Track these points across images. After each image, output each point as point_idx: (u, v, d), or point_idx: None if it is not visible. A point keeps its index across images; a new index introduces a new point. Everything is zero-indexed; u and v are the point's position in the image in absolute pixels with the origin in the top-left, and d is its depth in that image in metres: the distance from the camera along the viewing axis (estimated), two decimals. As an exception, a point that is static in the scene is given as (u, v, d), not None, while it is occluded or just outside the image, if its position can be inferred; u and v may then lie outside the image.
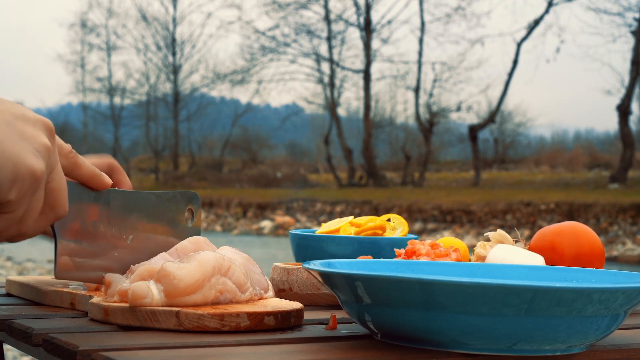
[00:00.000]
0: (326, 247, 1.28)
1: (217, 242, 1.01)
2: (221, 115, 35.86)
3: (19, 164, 0.75)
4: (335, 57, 27.90)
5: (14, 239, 0.82)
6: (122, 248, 0.99)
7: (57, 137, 0.83)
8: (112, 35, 32.94)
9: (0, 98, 0.79)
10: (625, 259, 13.27)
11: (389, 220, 1.36)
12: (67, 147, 0.86)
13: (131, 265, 0.96)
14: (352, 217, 1.36)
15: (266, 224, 19.33)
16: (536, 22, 23.70)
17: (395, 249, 1.11)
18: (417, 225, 17.05)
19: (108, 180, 0.93)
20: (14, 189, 0.76)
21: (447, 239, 1.25)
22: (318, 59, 28.27)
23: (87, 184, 0.91)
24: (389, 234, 1.33)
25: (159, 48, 32.63)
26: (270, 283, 0.98)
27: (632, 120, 25.31)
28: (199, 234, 1.08)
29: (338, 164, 29.68)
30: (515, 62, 24.15)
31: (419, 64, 26.54)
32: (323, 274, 0.82)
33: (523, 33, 25.59)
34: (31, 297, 1.08)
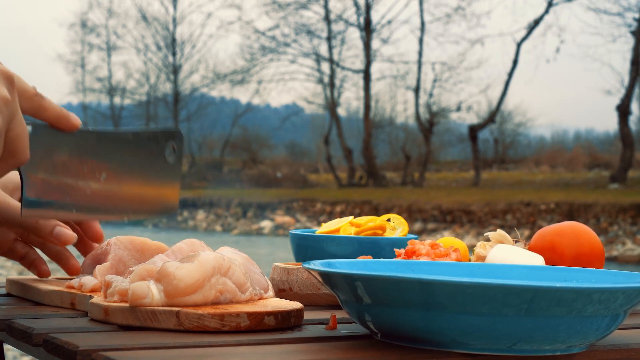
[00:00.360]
0: (326, 247, 1.28)
1: (217, 242, 1.01)
2: (221, 115, 35.85)
3: None
4: (335, 57, 27.90)
5: None
6: (95, 186, 0.97)
7: (19, 81, 0.85)
8: (112, 35, 32.94)
9: None
10: (625, 259, 13.27)
11: (389, 220, 1.36)
12: (31, 89, 0.87)
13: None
14: (352, 217, 1.36)
15: (266, 224, 19.33)
16: (536, 22, 23.70)
17: (395, 249, 1.11)
18: (417, 225, 17.05)
19: (77, 120, 0.93)
20: None
21: (447, 239, 1.25)
22: (318, 59, 28.27)
23: (55, 125, 0.92)
24: (389, 234, 1.33)
25: (159, 48, 32.62)
26: (270, 283, 0.98)
27: (632, 120, 25.31)
28: (179, 171, 1.05)
29: (338, 164, 29.67)
30: (515, 62, 24.15)
31: (419, 64, 26.54)
32: (323, 274, 0.82)
33: (523, 33, 25.58)
34: (31, 297, 1.08)
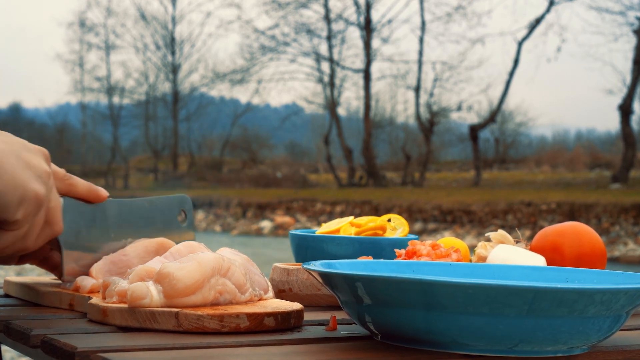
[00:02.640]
0: (326, 247, 1.28)
1: (216, 242, 1.02)
2: (221, 115, 35.87)
3: (26, 189, 0.88)
4: (335, 56, 27.92)
5: (17, 252, 0.93)
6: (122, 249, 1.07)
7: (53, 165, 0.96)
8: (111, 35, 32.96)
9: (3, 132, 0.91)
10: (627, 259, 13.27)
11: (389, 220, 1.35)
12: (62, 171, 0.99)
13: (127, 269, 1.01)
14: (352, 217, 1.36)
15: (266, 224, 19.34)
16: (537, 21, 23.71)
17: (396, 250, 1.10)
18: (418, 226, 17.06)
19: (104, 192, 1.05)
20: (21, 209, 0.88)
21: (447, 239, 1.25)
22: (318, 58, 28.29)
23: (86, 199, 1.03)
24: (389, 234, 1.32)
25: (158, 47, 32.65)
26: (270, 284, 0.98)
27: (634, 119, 25.29)
28: (194, 233, 1.16)
29: (338, 164, 29.70)
30: (516, 62, 24.16)
31: (420, 63, 26.55)
32: (323, 275, 0.81)
33: (524, 32, 25.60)
34: (29, 298, 1.08)
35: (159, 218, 1.12)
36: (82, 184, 1.01)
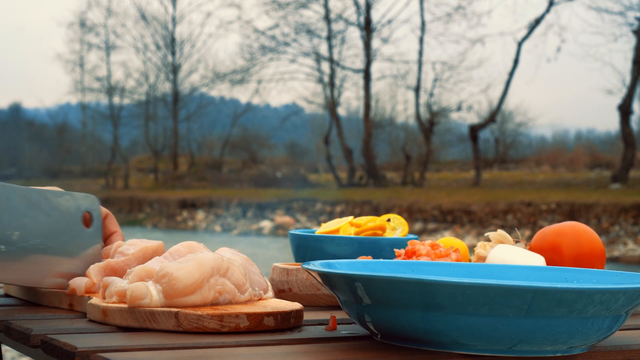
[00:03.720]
0: (326, 247, 1.28)
1: (216, 242, 1.01)
2: (221, 115, 35.84)
3: None
4: (335, 56, 27.89)
5: None
6: (8, 244, 0.97)
7: None
8: (111, 35, 32.92)
9: None
10: (627, 259, 13.26)
11: (389, 220, 1.35)
12: None
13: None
14: (352, 217, 1.36)
15: (266, 224, 19.32)
16: (537, 22, 23.68)
17: (396, 249, 1.10)
18: (418, 226, 17.05)
19: None
20: None
21: (447, 239, 1.25)
22: (318, 58, 28.27)
23: None
24: (389, 234, 1.32)
25: (158, 47, 32.61)
26: (269, 284, 0.98)
27: (634, 120, 25.30)
28: (99, 238, 1.07)
29: (338, 164, 29.66)
30: (516, 62, 24.14)
31: (420, 63, 26.53)
32: (323, 275, 0.81)
33: (524, 32, 25.58)
34: (29, 298, 1.08)
35: (58, 216, 1.02)
36: None
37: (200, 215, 21.63)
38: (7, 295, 1.14)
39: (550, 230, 1.23)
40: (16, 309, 1.02)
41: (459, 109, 27.16)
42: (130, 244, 1.05)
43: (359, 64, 27.97)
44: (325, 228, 1.35)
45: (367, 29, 26.67)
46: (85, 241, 1.05)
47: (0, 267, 0.97)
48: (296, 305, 0.92)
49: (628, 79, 22.00)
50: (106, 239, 1.10)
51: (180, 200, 22.35)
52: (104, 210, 1.15)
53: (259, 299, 0.94)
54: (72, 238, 1.03)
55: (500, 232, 1.22)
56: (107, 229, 1.11)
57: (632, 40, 22.21)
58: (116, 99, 33.84)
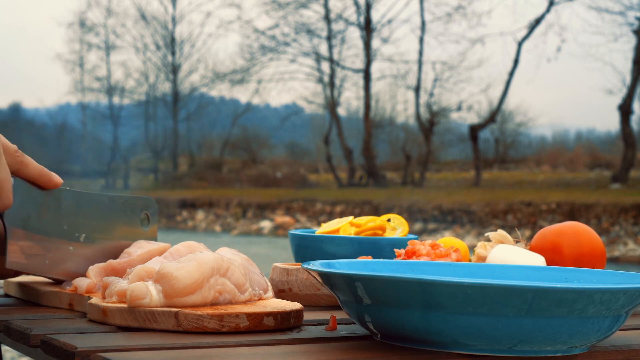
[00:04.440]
0: (326, 247, 1.28)
1: (216, 242, 1.01)
2: (221, 115, 35.84)
3: None
4: (335, 56, 27.90)
5: None
6: (75, 245, 1.02)
7: (2, 138, 0.89)
8: (111, 35, 32.93)
9: None
10: (627, 259, 13.27)
11: (389, 220, 1.35)
12: (13, 146, 0.91)
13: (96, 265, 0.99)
14: (352, 217, 1.36)
15: (266, 224, 19.33)
16: (537, 21, 23.69)
17: (396, 249, 1.10)
18: (418, 226, 17.05)
19: (57, 179, 0.97)
20: None
21: (447, 239, 1.25)
22: (318, 58, 28.27)
23: (36, 182, 0.95)
24: (389, 234, 1.32)
25: (158, 47, 32.62)
26: (269, 283, 0.98)
27: (634, 119, 25.28)
28: (155, 240, 1.11)
29: (338, 164, 29.66)
30: (516, 62, 24.15)
31: (420, 63, 26.54)
32: (323, 275, 0.81)
33: (524, 32, 25.60)
34: (29, 298, 1.08)
35: (118, 217, 1.07)
36: (34, 165, 0.94)
37: (200, 215, 21.64)
38: (6, 295, 1.14)
39: (551, 230, 1.23)
40: (16, 309, 1.02)
41: (459, 109, 27.18)
42: (137, 246, 1.06)
43: (359, 64, 27.98)
44: (325, 228, 1.35)
45: (367, 28, 26.68)
46: (139, 238, 1.10)
47: (68, 264, 1.02)
48: (296, 305, 0.92)
49: (628, 78, 22.01)
50: None
51: (180, 200, 22.37)
52: None
53: (259, 299, 0.94)
54: (132, 238, 1.09)
55: (501, 232, 1.22)
56: None
57: (632, 40, 22.22)
58: (116, 99, 33.86)
